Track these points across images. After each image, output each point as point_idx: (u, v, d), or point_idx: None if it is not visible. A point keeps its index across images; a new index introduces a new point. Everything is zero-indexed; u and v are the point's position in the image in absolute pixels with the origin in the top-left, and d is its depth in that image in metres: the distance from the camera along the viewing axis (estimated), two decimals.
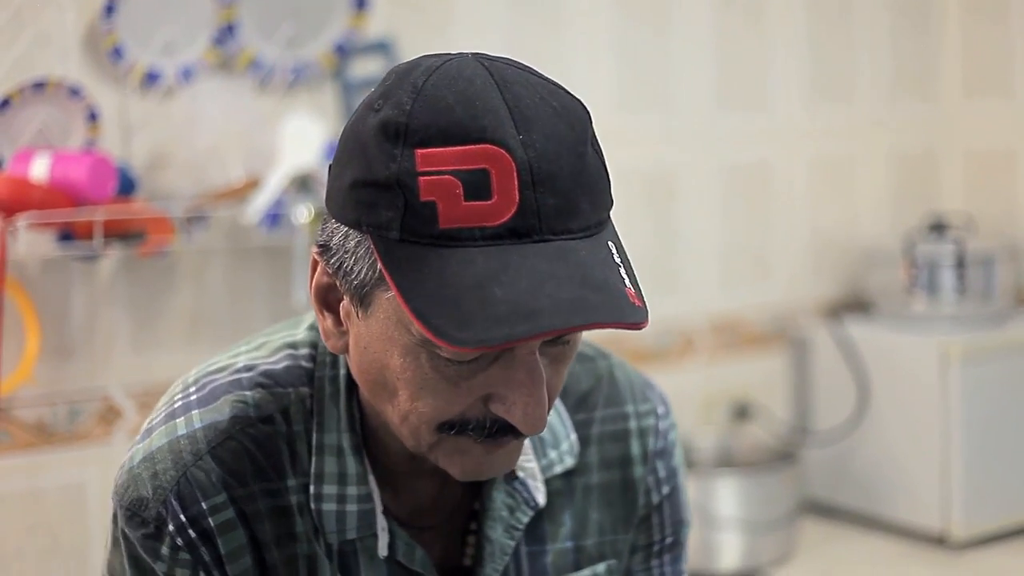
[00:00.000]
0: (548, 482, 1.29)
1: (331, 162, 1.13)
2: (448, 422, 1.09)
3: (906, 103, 3.30)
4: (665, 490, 1.35)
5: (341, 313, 1.13)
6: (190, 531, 1.15)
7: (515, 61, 1.10)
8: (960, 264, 2.99)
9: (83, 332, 2.27)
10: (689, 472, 2.81)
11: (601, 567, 1.32)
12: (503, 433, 1.10)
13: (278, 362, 1.23)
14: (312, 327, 1.25)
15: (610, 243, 1.07)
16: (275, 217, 2.24)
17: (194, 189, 2.26)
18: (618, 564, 1.33)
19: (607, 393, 1.34)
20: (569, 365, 1.14)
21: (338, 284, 1.10)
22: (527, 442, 1.23)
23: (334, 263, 1.09)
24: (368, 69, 2.46)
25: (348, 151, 1.09)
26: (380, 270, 1.05)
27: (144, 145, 2.29)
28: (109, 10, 2.21)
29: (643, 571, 1.36)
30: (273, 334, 1.28)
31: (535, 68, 1.10)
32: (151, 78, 2.27)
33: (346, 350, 1.14)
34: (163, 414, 1.22)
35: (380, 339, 1.08)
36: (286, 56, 2.39)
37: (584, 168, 1.06)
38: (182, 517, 1.15)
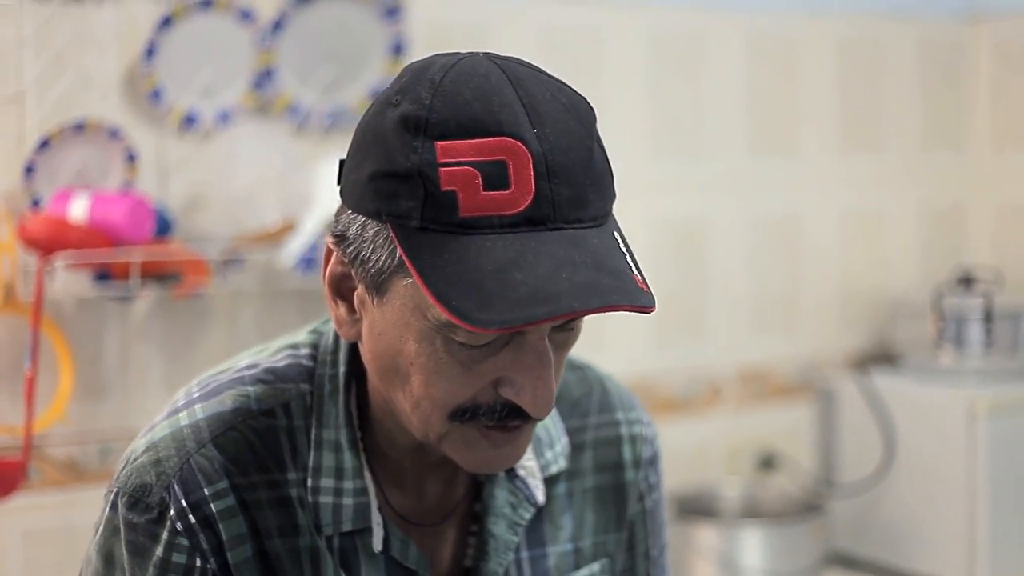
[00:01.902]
0: (548, 486, 1.33)
1: (345, 156, 1.16)
2: (460, 407, 1.13)
3: (936, 155, 3.30)
4: (655, 495, 1.42)
5: (355, 301, 1.17)
6: (191, 516, 1.17)
7: (523, 60, 1.16)
8: (988, 318, 2.99)
9: (116, 372, 2.28)
10: (714, 522, 2.81)
11: (596, 566, 1.36)
12: (512, 417, 1.14)
13: (279, 360, 1.27)
14: (314, 330, 1.30)
15: (615, 233, 1.12)
16: (310, 261, 2.26)
17: (230, 231, 2.27)
18: (610, 563, 1.38)
19: (599, 400, 1.40)
20: (569, 352, 1.19)
21: (353, 273, 1.15)
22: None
23: (351, 252, 1.13)
24: None
25: (366, 144, 1.13)
26: (399, 257, 1.09)
27: (181, 187, 2.30)
28: (150, 53, 2.23)
29: (629, 571, 1.42)
30: (277, 340, 1.32)
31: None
32: (189, 120, 2.29)
33: (358, 337, 1.18)
34: (166, 412, 1.26)
35: (395, 325, 1.12)
36: (323, 101, 2.41)
37: (592, 161, 1.11)
38: (183, 502, 1.17)
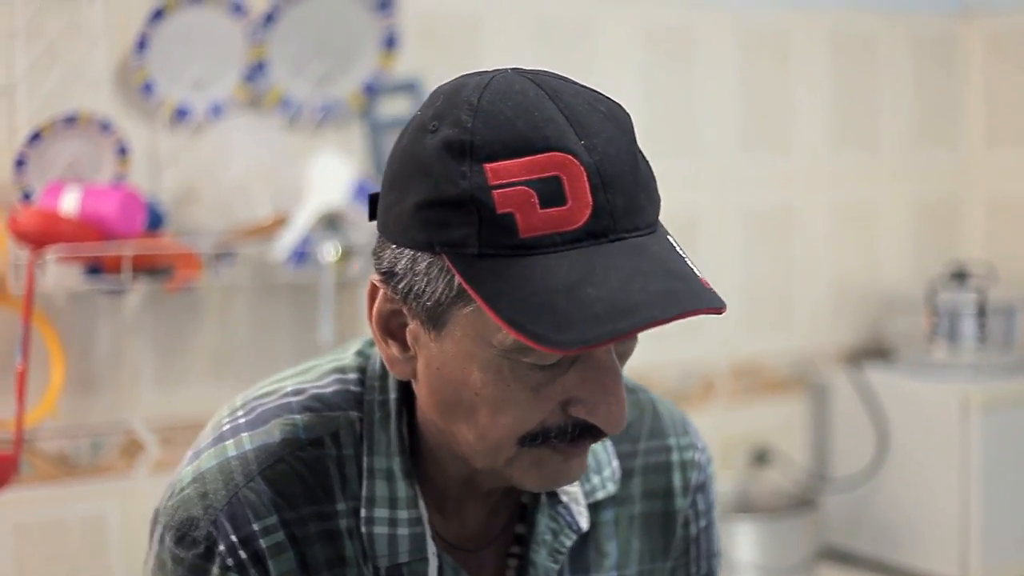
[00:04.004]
0: (594, 512, 1.29)
1: (381, 190, 1.13)
2: (530, 433, 1.10)
3: (929, 151, 3.30)
4: (703, 523, 1.38)
5: (408, 338, 1.13)
6: (241, 552, 1.14)
7: (552, 72, 1.14)
8: (981, 313, 2.99)
9: (107, 366, 2.28)
10: None
11: None
12: (584, 436, 1.12)
13: (327, 386, 1.23)
14: (360, 353, 1.26)
15: (669, 237, 1.10)
16: (302, 255, 2.25)
17: (222, 225, 2.27)
18: None
19: (651, 425, 1.36)
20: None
21: (405, 309, 1.11)
22: None
23: (403, 288, 1.10)
24: (396, 108, 2.48)
25: (406, 174, 1.09)
26: (458, 287, 1.06)
27: (173, 180, 2.30)
28: (141, 45, 2.23)
29: None
30: (321, 359, 1.28)
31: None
32: (181, 114, 2.29)
33: (413, 375, 1.15)
34: (211, 438, 1.22)
35: (457, 357, 1.09)
36: (315, 94, 2.40)
37: (639, 167, 1.09)
38: (233, 537, 1.14)
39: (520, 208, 1.03)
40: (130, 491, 2.30)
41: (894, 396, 2.97)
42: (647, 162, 1.12)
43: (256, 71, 2.34)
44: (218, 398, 2.37)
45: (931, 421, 2.89)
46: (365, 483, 1.19)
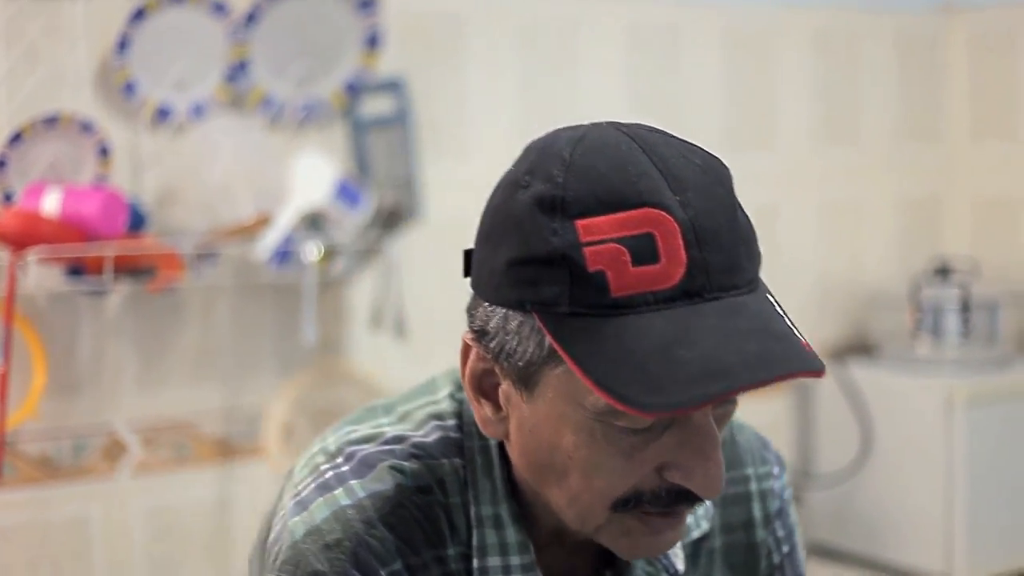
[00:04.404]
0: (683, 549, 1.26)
1: (474, 246, 1.11)
2: (622, 498, 1.07)
3: (912, 147, 3.31)
4: (785, 549, 1.34)
5: (500, 398, 1.11)
6: None
7: (647, 125, 1.10)
8: (965, 308, 2.99)
9: (89, 367, 2.27)
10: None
11: None
12: (679, 502, 1.08)
13: (428, 434, 1.20)
14: (452, 396, 1.23)
15: (768, 296, 1.07)
16: (284, 255, 2.25)
17: (204, 225, 2.26)
18: None
19: (729, 456, 1.30)
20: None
21: (497, 369, 1.09)
22: None
23: (494, 347, 1.07)
24: (378, 108, 2.47)
25: (498, 231, 1.07)
26: (549, 347, 1.03)
27: (155, 181, 2.29)
28: (122, 46, 2.22)
29: None
30: (410, 401, 1.25)
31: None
32: (162, 114, 2.28)
33: (506, 436, 1.13)
34: (312, 486, 1.18)
35: (549, 419, 1.07)
36: (297, 94, 2.39)
37: (737, 222, 1.06)
38: None
39: (611, 266, 1.01)
40: (113, 492, 2.29)
41: (878, 392, 2.97)
42: (747, 216, 1.08)
43: (238, 71, 2.33)
44: (201, 399, 2.38)
45: (915, 417, 2.90)
46: (475, 532, 1.17)
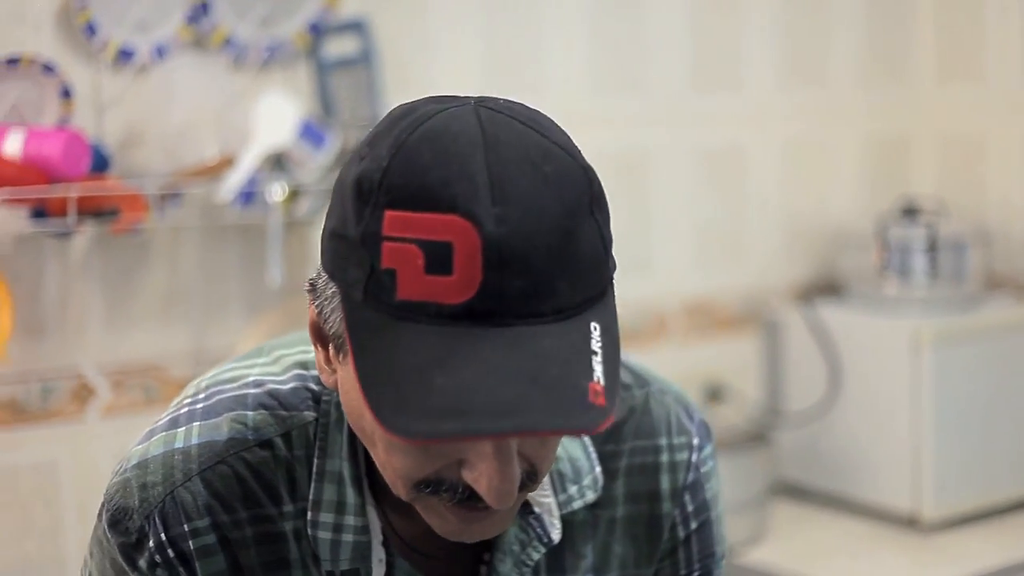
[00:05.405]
0: (572, 512, 1.24)
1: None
2: (423, 480, 1.05)
3: (879, 87, 3.31)
4: (693, 524, 1.31)
5: (330, 351, 1.09)
6: (169, 551, 1.14)
7: (523, 112, 1.04)
8: (932, 248, 3.01)
9: (56, 309, 2.26)
10: None
11: None
12: (473, 499, 1.04)
13: (286, 382, 1.20)
14: None
15: (593, 324, 1.00)
16: (249, 195, 2.24)
17: (168, 167, 2.25)
18: None
19: (639, 425, 1.28)
20: (559, 442, 1.09)
21: (322, 324, 1.07)
22: (546, 477, 1.14)
23: (317, 307, 1.07)
24: (342, 48, 2.46)
25: (334, 197, 1.06)
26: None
27: (117, 122, 2.28)
28: None
29: None
30: (292, 347, 1.25)
31: (538, 118, 1.05)
32: (125, 55, 2.27)
33: (336, 387, 1.11)
34: (168, 417, 1.21)
35: (356, 387, 1.01)
36: (260, 35, 2.38)
37: (568, 245, 0.99)
38: (162, 536, 1.14)
39: (403, 266, 0.96)
40: (81, 435, 2.29)
41: (846, 332, 2.99)
42: (598, 238, 1.02)
43: (200, 11, 2.31)
44: (168, 341, 2.38)
45: (883, 356, 2.91)
46: (313, 486, 1.16)
